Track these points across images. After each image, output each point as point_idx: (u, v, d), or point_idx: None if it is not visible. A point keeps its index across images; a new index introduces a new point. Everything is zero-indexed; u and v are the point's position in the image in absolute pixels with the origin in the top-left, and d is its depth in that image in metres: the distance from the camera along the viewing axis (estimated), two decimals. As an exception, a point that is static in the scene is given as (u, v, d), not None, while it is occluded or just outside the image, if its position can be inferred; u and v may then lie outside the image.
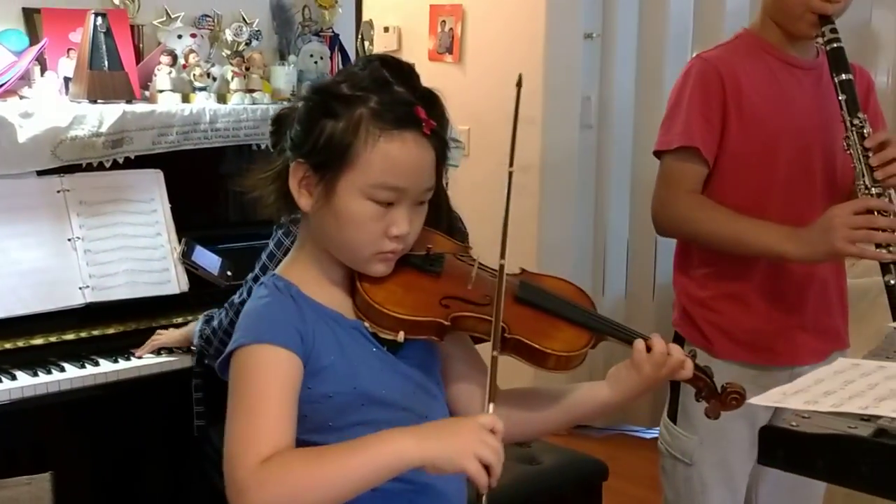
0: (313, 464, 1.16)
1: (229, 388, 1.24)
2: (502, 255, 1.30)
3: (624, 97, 4.07)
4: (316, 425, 1.27)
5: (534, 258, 4.04)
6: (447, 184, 3.37)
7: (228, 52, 2.76)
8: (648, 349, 1.33)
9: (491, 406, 1.18)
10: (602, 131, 4.10)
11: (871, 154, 1.74)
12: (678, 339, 1.98)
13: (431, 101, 1.34)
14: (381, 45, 4.58)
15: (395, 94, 1.27)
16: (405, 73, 1.33)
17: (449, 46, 4.47)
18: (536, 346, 1.30)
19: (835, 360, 1.21)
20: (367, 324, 1.29)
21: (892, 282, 1.68)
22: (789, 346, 1.87)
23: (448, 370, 1.41)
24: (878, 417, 0.94)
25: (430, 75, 4.90)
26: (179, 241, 2.43)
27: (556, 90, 4.07)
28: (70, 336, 2.24)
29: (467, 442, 1.14)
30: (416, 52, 4.58)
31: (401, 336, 1.28)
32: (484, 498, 1.16)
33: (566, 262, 4.11)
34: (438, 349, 1.39)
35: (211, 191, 2.62)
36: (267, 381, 1.21)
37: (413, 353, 1.34)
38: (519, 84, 1.38)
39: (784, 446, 0.92)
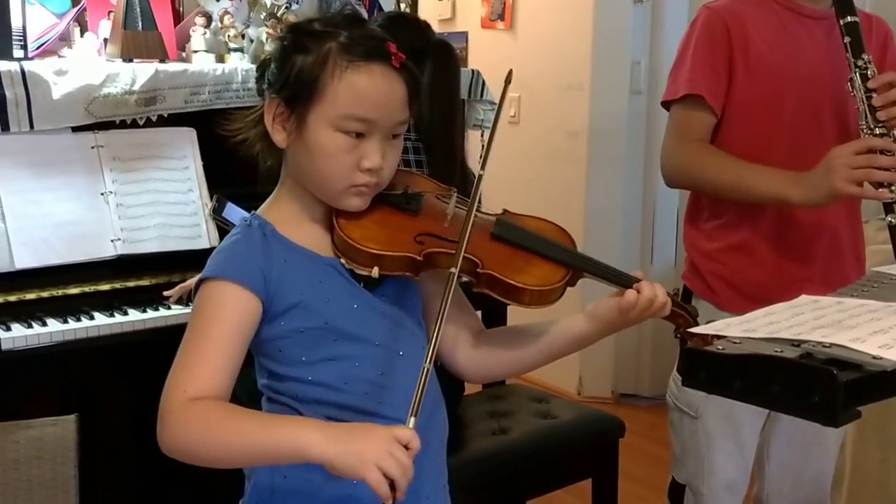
0: (229, 426, 1.18)
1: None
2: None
3: (674, 62, 4.00)
4: (290, 360, 1.30)
5: (582, 225, 4.03)
6: (483, 146, 3.36)
7: (265, 14, 2.81)
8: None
9: (412, 420, 1.13)
10: (652, 97, 4.04)
11: (874, 95, 1.71)
12: (686, 293, 1.98)
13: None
14: (435, 12, 4.61)
15: (365, 30, 1.30)
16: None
17: (501, 13, 4.46)
18: (508, 280, 1.31)
19: None
20: (343, 260, 1.31)
21: (894, 222, 1.65)
22: (795, 299, 1.84)
23: (430, 311, 1.43)
24: (807, 342, 0.93)
25: (483, 42, 4.95)
26: (211, 198, 2.49)
27: (605, 55, 4.05)
28: (105, 287, 2.30)
29: (374, 451, 1.09)
30: (469, 20, 4.60)
31: (375, 272, 1.29)
32: None
33: (614, 229, 4.09)
34: (419, 289, 1.41)
35: (244, 149, 2.67)
36: (215, 319, 1.25)
37: (390, 291, 1.36)
38: (508, 80, 1.38)
39: (705, 368, 0.92)
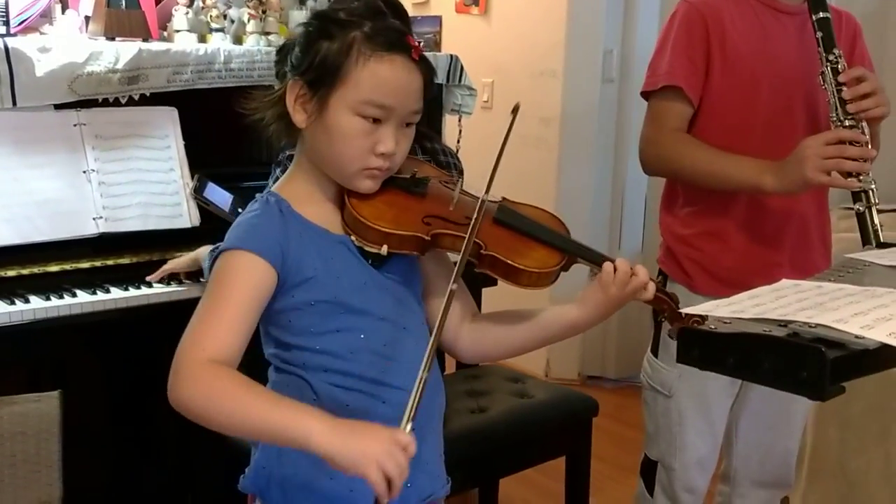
0: (239, 397, 1.21)
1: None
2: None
3: (646, 51, 3.99)
4: (299, 330, 1.36)
5: (552, 210, 4.05)
6: (461, 132, 3.39)
7: (247, -5, 2.82)
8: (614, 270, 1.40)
9: (409, 426, 1.17)
10: (623, 85, 4.11)
11: (844, 88, 1.79)
12: (662, 277, 2.04)
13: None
14: (409, -4, 4.62)
15: (387, 23, 1.36)
16: (399, 9, 1.41)
17: (475, -1, 4.49)
18: (509, 262, 1.38)
19: None
20: (353, 238, 1.37)
21: (862, 209, 1.74)
22: (768, 283, 1.91)
23: (428, 287, 1.50)
24: (793, 322, 0.98)
25: (457, 27, 4.98)
26: (192, 178, 2.51)
27: (578, 43, 4.09)
28: (85, 264, 2.31)
29: (375, 450, 1.14)
30: (443, 4, 4.62)
31: (384, 249, 1.36)
32: None
33: (584, 214, 4.15)
34: (420, 268, 1.48)
35: (225, 130, 2.69)
36: (234, 286, 1.29)
37: (396, 269, 1.42)
38: (515, 111, 1.44)
39: (699, 346, 0.98)
